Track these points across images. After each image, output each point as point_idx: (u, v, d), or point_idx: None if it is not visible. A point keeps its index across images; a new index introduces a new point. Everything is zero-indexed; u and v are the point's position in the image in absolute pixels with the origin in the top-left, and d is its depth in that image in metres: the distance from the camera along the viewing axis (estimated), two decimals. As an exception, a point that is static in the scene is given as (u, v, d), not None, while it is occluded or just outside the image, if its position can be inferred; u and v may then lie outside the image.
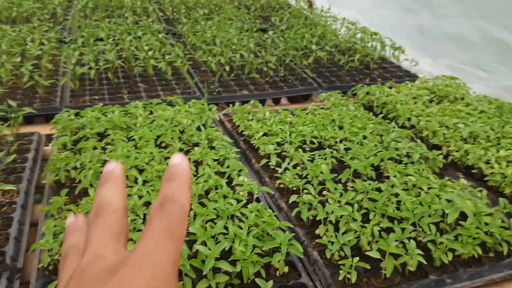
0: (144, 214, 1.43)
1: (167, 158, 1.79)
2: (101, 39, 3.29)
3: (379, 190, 1.65)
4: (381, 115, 2.39)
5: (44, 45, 3.01)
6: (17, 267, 1.35)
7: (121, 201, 0.40)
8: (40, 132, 2.20)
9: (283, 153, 1.93)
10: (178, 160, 0.41)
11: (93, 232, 0.37)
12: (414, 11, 3.20)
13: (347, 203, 1.55)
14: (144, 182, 1.60)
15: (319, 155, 1.89)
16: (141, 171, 1.68)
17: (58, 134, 1.98)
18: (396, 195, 1.62)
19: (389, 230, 1.47)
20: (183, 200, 0.38)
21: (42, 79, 2.53)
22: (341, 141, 2.02)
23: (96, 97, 2.60)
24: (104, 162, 1.73)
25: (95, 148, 1.80)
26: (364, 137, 2.05)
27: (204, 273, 1.20)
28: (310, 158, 1.85)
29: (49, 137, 2.21)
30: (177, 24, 4.07)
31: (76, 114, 2.13)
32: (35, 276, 1.30)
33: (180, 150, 1.90)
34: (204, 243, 1.29)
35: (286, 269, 1.32)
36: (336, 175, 1.67)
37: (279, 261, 1.30)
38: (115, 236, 0.37)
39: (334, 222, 1.43)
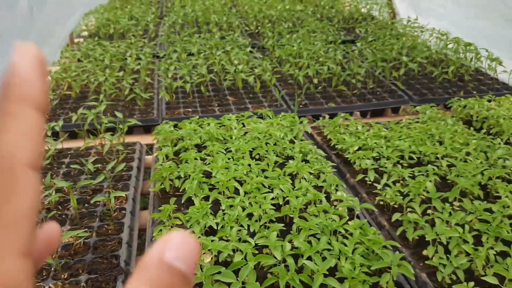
0: (248, 226, 1.45)
1: (264, 170, 1.81)
2: (192, 54, 3.43)
3: (489, 210, 1.55)
4: (483, 131, 2.26)
5: (141, 59, 3.20)
6: (130, 271, 1.43)
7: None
8: (141, 142, 2.33)
9: (380, 169, 1.88)
10: (17, 56, 0.25)
11: None
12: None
13: (456, 224, 1.47)
14: (245, 193, 1.63)
15: (420, 172, 1.82)
16: (240, 183, 1.71)
17: (160, 145, 2.08)
18: (510, 216, 1.51)
19: (503, 254, 1.37)
20: (9, 148, 0.23)
21: (142, 92, 2.68)
22: (442, 157, 1.93)
23: (190, 109, 2.71)
24: (205, 172, 1.79)
25: (195, 158, 1.87)
26: (467, 154, 1.95)
27: (312, 289, 1.19)
28: (410, 175, 1.78)
29: (148, 147, 2.33)
30: (261, 38, 4.14)
31: (175, 126, 2.22)
32: (147, 280, 1.37)
33: (275, 162, 1.91)
34: (309, 258, 1.28)
35: (395, 290, 1.27)
36: (441, 193, 1.60)
37: (387, 282, 1.26)
38: None
39: (446, 243, 1.36)
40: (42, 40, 2.79)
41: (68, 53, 3.48)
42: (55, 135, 2.26)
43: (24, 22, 2.32)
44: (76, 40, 4.32)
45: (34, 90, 0.24)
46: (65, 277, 1.37)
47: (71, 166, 1.94)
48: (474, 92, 2.95)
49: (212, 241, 1.32)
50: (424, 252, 1.42)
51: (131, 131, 2.56)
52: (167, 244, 0.23)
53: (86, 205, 1.74)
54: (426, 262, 1.35)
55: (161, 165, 1.82)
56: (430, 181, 1.69)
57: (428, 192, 1.62)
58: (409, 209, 1.57)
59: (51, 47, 3.23)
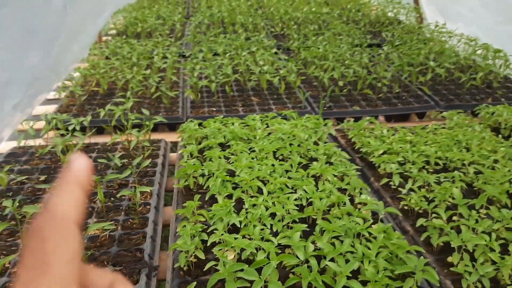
0: (271, 225, 1.46)
1: (287, 170, 1.82)
2: (217, 54, 3.46)
3: (517, 220, 1.51)
4: (511, 138, 2.21)
5: (167, 58, 3.24)
6: (154, 265, 1.45)
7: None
8: (165, 139, 2.36)
9: (405, 173, 1.86)
10: (73, 158, 0.37)
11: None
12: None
13: (482, 232, 1.44)
14: (268, 193, 1.64)
15: (446, 178, 1.79)
16: (263, 182, 1.72)
17: (184, 142, 2.11)
18: (539, 227, 1.48)
19: (532, 265, 1.34)
20: (62, 209, 0.33)
21: (168, 91, 2.71)
22: (469, 164, 1.90)
23: (214, 109, 2.73)
24: (229, 170, 1.81)
25: (219, 157, 1.88)
26: (495, 161, 1.91)
27: (335, 291, 1.19)
28: (436, 180, 1.76)
29: (172, 145, 2.36)
30: (286, 39, 4.15)
31: (199, 124, 2.24)
32: (170, 275, 1.39)
33: (299, 163, 1.91)
34: (332, 260, 1.28)
35: (418, 295, 1.26)
36: (468, 200, 1.57)
37: (411, 287, 1.24)
38: None
39: (471, 251, 1.34)
40: (73, 37, 2.86)
41: (96, 50, 3.55)
42: (83, 129, 2.31)
43: (57, 19, 2.38)
44: (104, 38, 4.40)
45: (81, 177, 0.36)
46: (91, 268, 1.39)
47: (98, 160, 1.98)
48: (503, 100, 2.90)
49: (235, 238, 1.33)
50: (449, 259, 1.40)
51: (156, 128, 2.59)
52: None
53: (112, 199, 1.77)
54: (451, 269, 1.33)
55: (186, 162, 1.84)
56: (457, 187, 1.66)
57: (454, 198, 1.60)
58: (434, 215, 1.55)
59: (81, 44, 3.30)
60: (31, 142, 2.27)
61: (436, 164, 1.93)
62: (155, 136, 2.41)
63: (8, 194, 1.81)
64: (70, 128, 2.21)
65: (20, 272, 0.30)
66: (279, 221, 1.49)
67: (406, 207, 1.69)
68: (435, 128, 2.30)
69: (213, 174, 1.75)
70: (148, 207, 1.71)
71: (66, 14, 2.39)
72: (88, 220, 1.62)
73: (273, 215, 1.52)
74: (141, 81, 2.88)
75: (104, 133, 2.47)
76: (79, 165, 0.36)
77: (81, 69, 3.00)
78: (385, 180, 1.84)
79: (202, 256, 1.37)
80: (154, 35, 4.18)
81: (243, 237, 1.39)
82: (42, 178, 1.92)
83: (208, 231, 1.46)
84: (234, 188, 1.68)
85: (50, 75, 2.76)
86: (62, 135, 2.22)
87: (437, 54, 3.43)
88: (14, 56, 1.99)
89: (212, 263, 1.30)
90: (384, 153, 2.00)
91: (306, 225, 1.42)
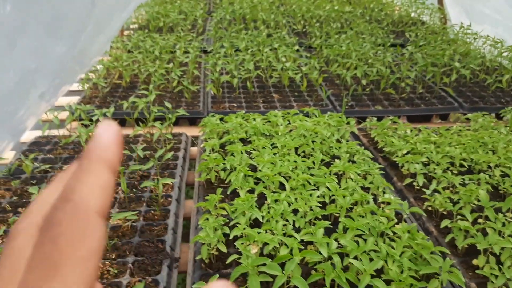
0: (293, 221, 1.45)
1: (309, 167, 1.80)
2: (239, 50, 3.46)
3: (545, 224, 1.48)
4: (539, 142, 2.16)
5: (189, 53, 3.25)
6: (175, 257, 1.46)
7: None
8: (187, 133, 2.37)
9: (429, 174, 1.83)
10: (101, 129, 0.29)
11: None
12: None
13: (509, 235, 1.41)
14: (291, 189, 1.63)
15: (471, 179, 1.76)
16: (285, 178, 1.71)
17: (206, 136, 2.11)
18: None
19: (561, 271, 1.31)
20: (84, 196, 0.26)
21: (189, 85, 2.72)
22: (495, 167, 1.86)
23: (235, 104, 2.73)
24: (250, 165, 1.80)
25: (241, 152, 1.88)
26: (522, 165, 1.87)
27: (358, 289, 1.17)
28: (461, 182, 1.73)
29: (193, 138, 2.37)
30: (308, 37, 4.13)
31: (221, 119, 2.25)
32: (191, 267, 1.39)
33: (321, 161, 1.90)
34: (355, 258, 1.27)
35: (443, 297, 1.24)
36: (494, 202, 1.54)
37: None
38: None
39: (498, 254, 1.31)
40: (99, 29, 2.88)
41: (119, 43, 3.58)
42: (106, 121, 2.32)
43: (85, 9, 2.40)
44: (125, 33, 4.43)
45: (110, 155, 0.28)
46: (113, 257, 1.41)
47: (121, 151, 1.99)
48: (529, 103, 2.84)
49: (258, 233, 1.33)
50: (474, 262, 1.37)
51: (176, 122, 2.60)
52: None
53: (133, 190, 1.78)
54: (477, 271, 1.31)
55: (208, 156, 1.85)
56: (482, 189, 1.63)
57: (479, 200, 1.57)
58: (459, 217, 1.52)
59: (105, 37, 3.33)
60: (54, 132, 2.30)
61: (461, 165, 1.90)
62: (176, 130, 2.41)
63: (32, 182, 1.84)
64: (94, 119, 2.23)
65: (24, 274, 0.25)
66: (301, 217, 1.48)
67: (430, 208, 1.66)
68: (459, 129, 2.26)
69: (235, 168, 1.74)
70: (169, 199, 1.72)
71: (94, 6, 2.42)
72: (110, 210, 1.64)
73: (295, 211, 1.51)
74: (163, 74, 2.90)
75: (125, 125, 2.49)
76: (107, 138, 0.28)
77: (104, 62, 3.03)
78: (408, 180, 1.82)
79: (224, 249, 1.37)
80: (176, 30, 4.20)
81: (265, 232, 1.38)
82: (65, 167, 1.95)
83: (230, 224, 1.46)
84: (256, 183, 1.68)
85: (75, 66, 2.78)
86: (86, 125, 2.25)
87: (462, 55, 3.38)
88: (41, 46, 2.01)
89: (234, 256, 1.30)
90: (407, 153, 1.98)
91: (330, 222, 1.41)
